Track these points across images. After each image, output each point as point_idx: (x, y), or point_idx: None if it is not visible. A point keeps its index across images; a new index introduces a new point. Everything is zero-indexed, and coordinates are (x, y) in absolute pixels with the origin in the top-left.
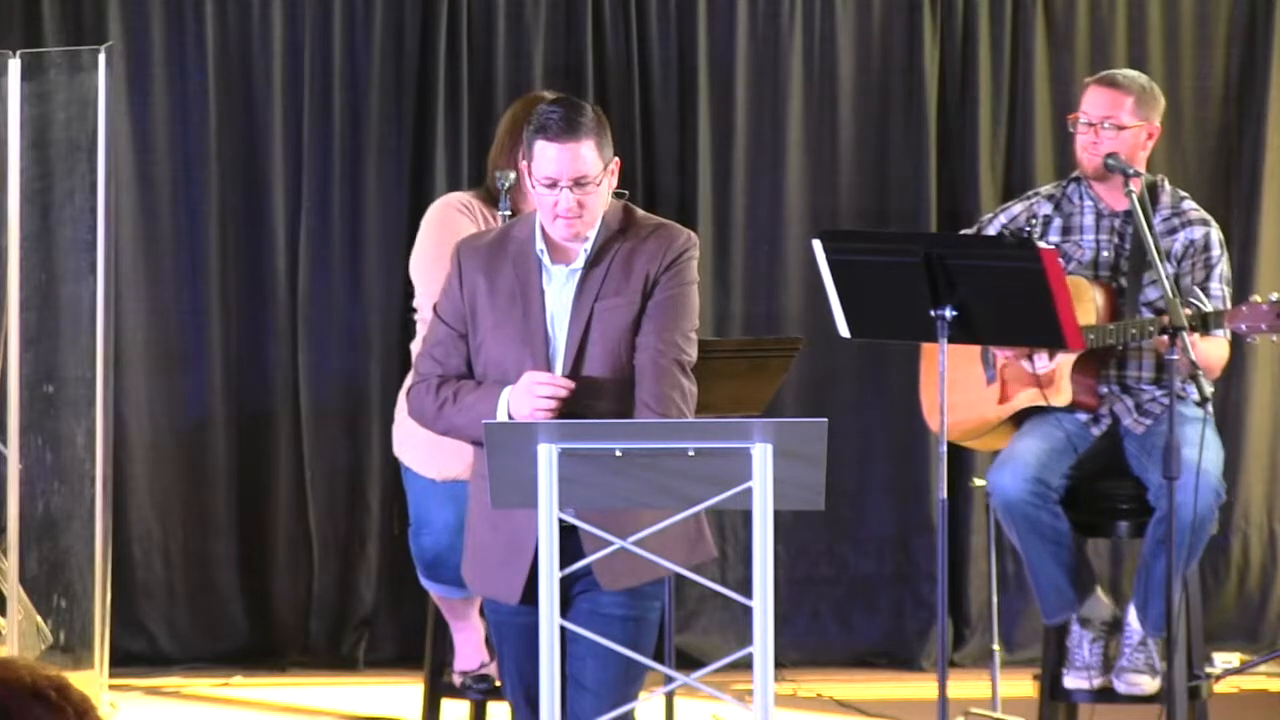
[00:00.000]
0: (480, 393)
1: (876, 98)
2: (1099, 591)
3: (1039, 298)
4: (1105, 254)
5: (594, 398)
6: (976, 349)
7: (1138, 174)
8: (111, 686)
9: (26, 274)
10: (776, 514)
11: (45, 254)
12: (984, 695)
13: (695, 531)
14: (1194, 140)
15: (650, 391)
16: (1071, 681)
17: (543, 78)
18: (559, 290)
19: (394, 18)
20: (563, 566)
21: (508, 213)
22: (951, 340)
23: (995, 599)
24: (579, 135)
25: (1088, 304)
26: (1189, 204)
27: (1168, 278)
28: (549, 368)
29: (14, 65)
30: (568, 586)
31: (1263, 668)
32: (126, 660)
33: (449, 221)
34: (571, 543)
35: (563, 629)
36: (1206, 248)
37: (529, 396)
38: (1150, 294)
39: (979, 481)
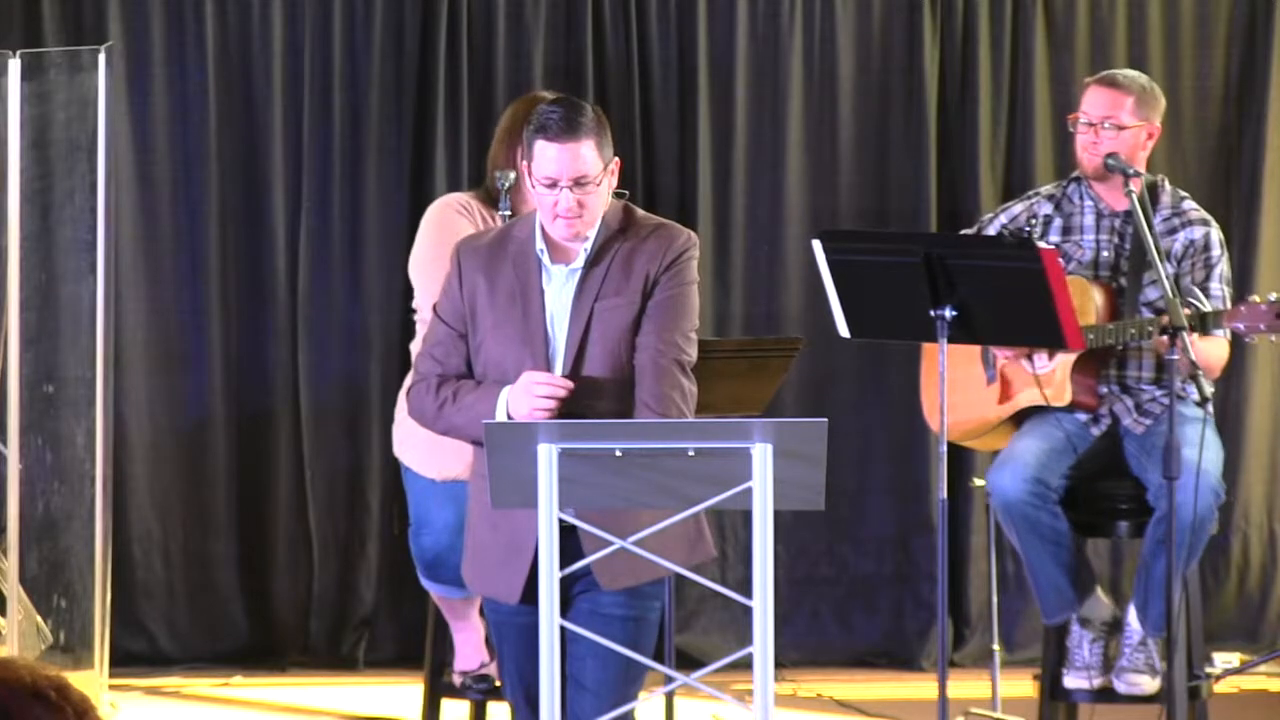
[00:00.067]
0: (480, 392)
1: (876, 98)
2: (1099, 591)
3: (1039, 298)
4: (1105, 254)
5: (594, 398)
6: (976, 349)
7: (1138, 174)
8: (111, 686)
9: (26, 274)
10: (776, 514)
11: (45, 254)
12: (984, 695)
13: (695, 531)
14: (1194, 140)
15: (650, 391)
16: (1071, 681)
17: (543, 78)
18: (559, 290)
19: (394, 18)
20: (563, 566)
21: (507, 213)
22: (951, 340)
23: (995, 599)
24: (579, 135)
25: (1088, 304)
26: (1189, 204)
27: (1168, 278)
28: (549, 367)
29: (14, 65)
30: (568, 586)
31: (1263, 668)
32: (126, 660)
33: (447, 222)
34: (571, 543)
35: (563, 629)
36: (1206, 248)
37: (528, 396)
38: (1150, 294)
39: (979, 481)
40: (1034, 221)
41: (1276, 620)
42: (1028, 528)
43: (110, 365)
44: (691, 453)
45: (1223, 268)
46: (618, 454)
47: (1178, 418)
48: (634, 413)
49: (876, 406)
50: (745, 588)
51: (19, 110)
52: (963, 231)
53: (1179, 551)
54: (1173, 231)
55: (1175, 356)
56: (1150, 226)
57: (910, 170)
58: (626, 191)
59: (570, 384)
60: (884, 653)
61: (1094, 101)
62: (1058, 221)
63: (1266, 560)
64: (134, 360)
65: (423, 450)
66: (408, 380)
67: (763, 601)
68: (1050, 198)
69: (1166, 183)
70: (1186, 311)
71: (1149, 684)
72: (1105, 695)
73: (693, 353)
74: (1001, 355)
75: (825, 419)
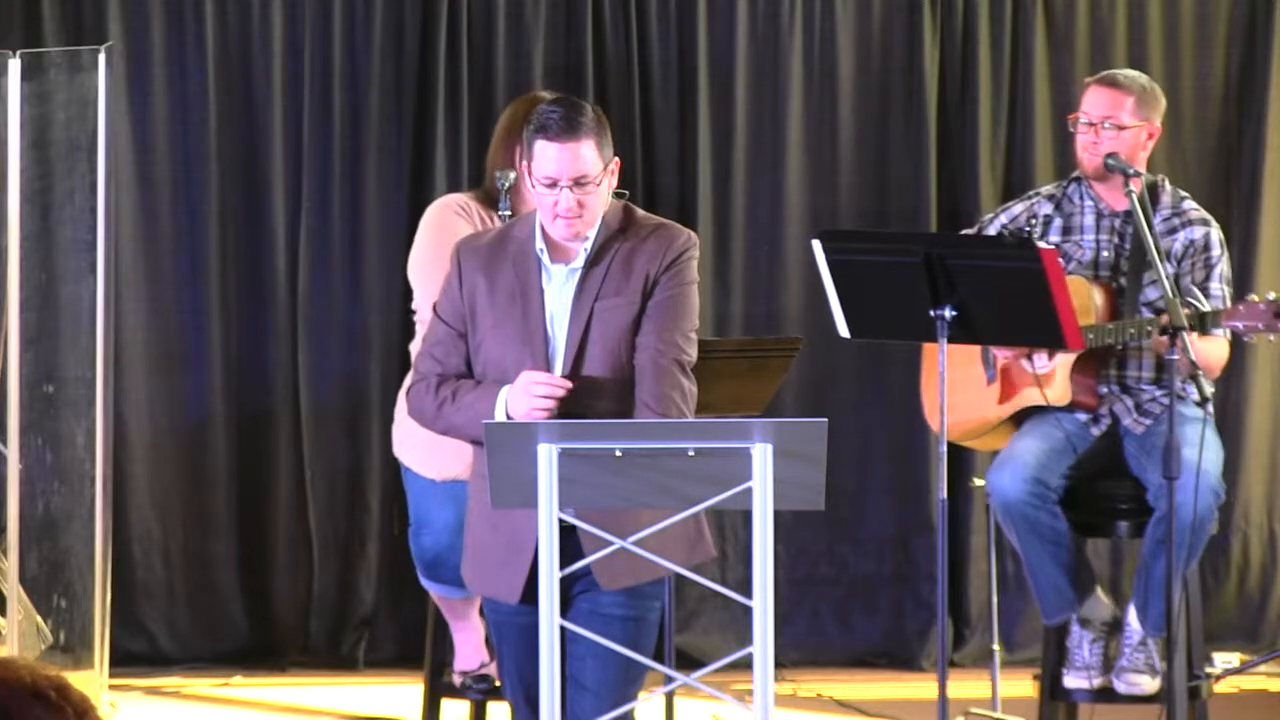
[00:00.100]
0: (479, 392)
1: (876, 98)
2: (1099, 591)
3: (1039, 298)
4: (1105, 254)
5: (594, 398)
6: (976, 349)
7: (1138, 174)
8: (111, 686)
9: (26, 274)
10: (776, 514)
11: (45, 254)
12: (984, 695)
13: (695, 531)
14: (1194, 140)
15: (650, 391)
16: (1071, 681)
17: (543, 78)
18: (559, 290)
19: (394, 18)
20: (562, 566)
21: (507, 213)
22: (951, 340)
23: (995, 599)
24: (579, 135)
25: (1088, 304)
26: (1189, 204)
27: (1168, 278)
28: (548, 367)
29: (14, 65)
30: (567, 586)
31: (1263, 668)
32: (126, 660)
33: (446, 223)
34: (571, 543)
35: (563, 629)
36: (1206, 247)
37: (526, 396)
38: (1150, 294)
39: (979, 481)
40: (1034, 221)
41: (1276, 620)
42: (1027, 528)
43: (110, 365)
44: (691, 453)
45: (1223, 268)
46: (618, 454)
47: (1178, 418)
48: (634, 413)
49: (876, 406)
50: (745, 588)
51: (19, 110)
52: (963, 231)
53: (1179, 551)
54: (1173, 231)
55: (1175, 356)
56: (1150, 226)
57: (910, 170)
58: (626, 191)
59: (568, 384)
60: (884, 653)
61: (1094, 101)
62: (1058, 221)
63: (1266, 560)
64: (134, 360)
65: (423, 450)
66: (407, 380)
67: (763, 601)
68: (1050, 198)
69: (1166, 183)
70: (1186, 311)
71: (1149, 684)
72: (1105, 695)
73: (693, 353)
74: (1001, 355)
75: (825, 419)
